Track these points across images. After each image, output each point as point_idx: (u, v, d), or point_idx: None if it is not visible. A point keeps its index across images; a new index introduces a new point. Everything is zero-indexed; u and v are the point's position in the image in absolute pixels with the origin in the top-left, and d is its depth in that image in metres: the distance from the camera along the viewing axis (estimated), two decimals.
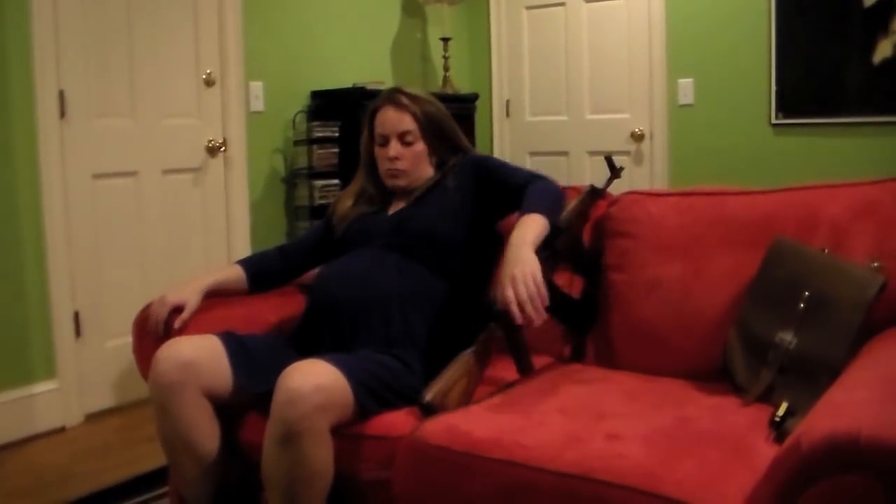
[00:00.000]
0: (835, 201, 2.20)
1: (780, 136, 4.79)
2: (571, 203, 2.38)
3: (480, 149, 5.46)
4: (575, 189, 2.56)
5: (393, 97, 2.49)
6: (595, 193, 2.46)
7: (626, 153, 5.28)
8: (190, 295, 2.37)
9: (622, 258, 2.36)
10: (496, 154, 5.80)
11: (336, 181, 4.44)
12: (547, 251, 2.14)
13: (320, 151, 4.46)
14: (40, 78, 3.55)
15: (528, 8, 5.70)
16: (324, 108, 4.59)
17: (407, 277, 2.28)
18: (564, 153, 5.56)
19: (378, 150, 2.50)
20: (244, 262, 2.59)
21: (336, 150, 4.49)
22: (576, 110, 5.52)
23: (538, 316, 1.95)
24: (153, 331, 2.34)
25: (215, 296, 2.45)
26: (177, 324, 2.32)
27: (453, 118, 2.58)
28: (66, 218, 3.67)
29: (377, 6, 5.26)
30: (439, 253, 2.34)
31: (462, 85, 5.65)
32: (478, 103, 5.34)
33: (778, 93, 4.74)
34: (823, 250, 2.07)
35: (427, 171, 2.51)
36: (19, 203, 3.52)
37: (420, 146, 2.46)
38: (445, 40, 5.36)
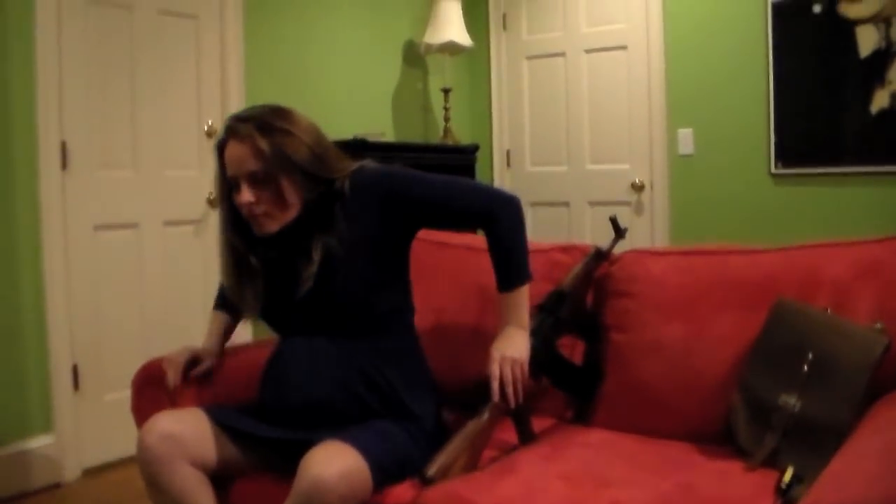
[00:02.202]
0: (837, 261, 2.19)
1: (780, 186, 4.79)
2: (576, 267, 2.35)
3: None
4: (579, 249, 2.53)
5: (234, 128, 2.03)
6: (600, 256, 2.44)
7: (627, 203, 5.29)
8: (205, 351, 2.33)
9: (623, 318, 2.35)
10: None
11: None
12: (551, 318, 2.13)
13: None
14: (43, 129, 3.57)
15: (529, 58, 5.74)
16: None
17: (355, 355, 2.07)
18: (565, 203, 5.57)
19: (234, 195, 2.06)
20: (222, 305, 2.40)
21: None
22: (576, 161, 5.53)
23: (516, 401, 2.01)
24: (170, 382, 2.23)
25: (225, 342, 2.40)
26: (201, 368, 2.28)
27: (323, 137, 2.11)
28: (67, 269, 3.67)
29: (378, 57, 5.29)
30: (372, 310, 2.09)
31: (463, 135, 5.67)
32: (478, 154, 5.35)
33: (777, 143, 4.76)
34: (826, 311, 2.06)
35: (289, 213, 2.05)
36: (19, 253, 3.52)
37: (280, 184, 2.01)
38: (446, 91, 5.38)
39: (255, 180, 2.00)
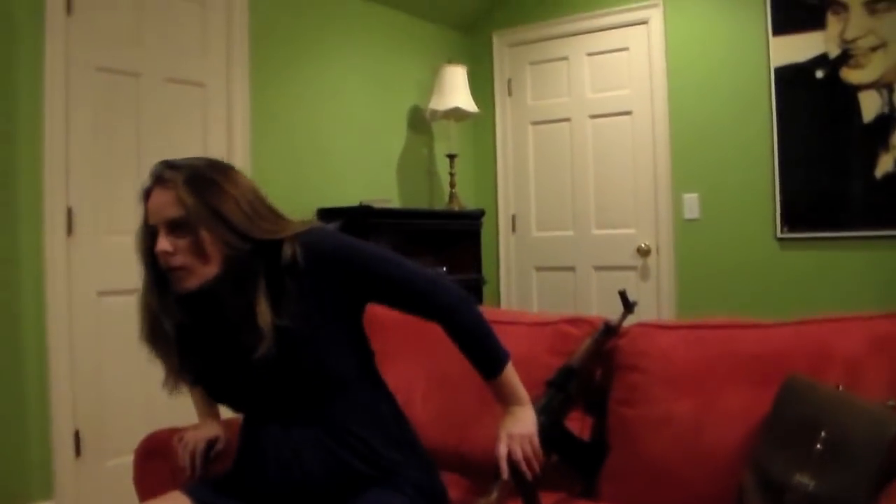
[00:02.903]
0: (848, 336, 2.16)
1: (787, 250, 4.79)
2: (585, 342, 2.33)
3: (486, 266, 5.48)
4: (587, 322, 2.51)
5: (161, 175, 1.87)
6: (609, 331, 2.42)
7: (633, 268, 5.28)
8: (216, 428, 2.25)
9: (631, 393, 2.32)
10: (502, 270, 5.79)
11: None
12: (561, 394, 2.11)
13: None
14: (49, 194, 3.59)
15: (534, 123, 5.78)
16: None
17: (331, 423, 1.94)
18: (571, 268, 5.56)
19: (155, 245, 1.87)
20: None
21: None
22: (582, 225, 5.54)
23: (532, 474, 1.97)
24: (185, 465, 2.17)
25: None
26: (219, 450, 2.21)
27: (256, 197, 1.92)
28: (70, 334, 3.66)
29: (384, 122, 5.32)
30: (339, 376, 1.95)
31: (468, 200, 5.69)
32: (483, 219, 5.36)
33: (783, 207, 4.77)
34: (838, 387, 2.03)
35: (209, 268, 1.86)
36: (23, 318, 3.51)
37: (199, 235, 1.83)
38: (452, 157, 5.40)
39: (173, 228, 1.83)
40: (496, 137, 5.94)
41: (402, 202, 5.39)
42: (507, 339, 2.01)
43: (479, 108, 5.47)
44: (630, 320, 2.50)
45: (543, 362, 2.13)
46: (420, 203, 5.55)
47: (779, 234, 4.79)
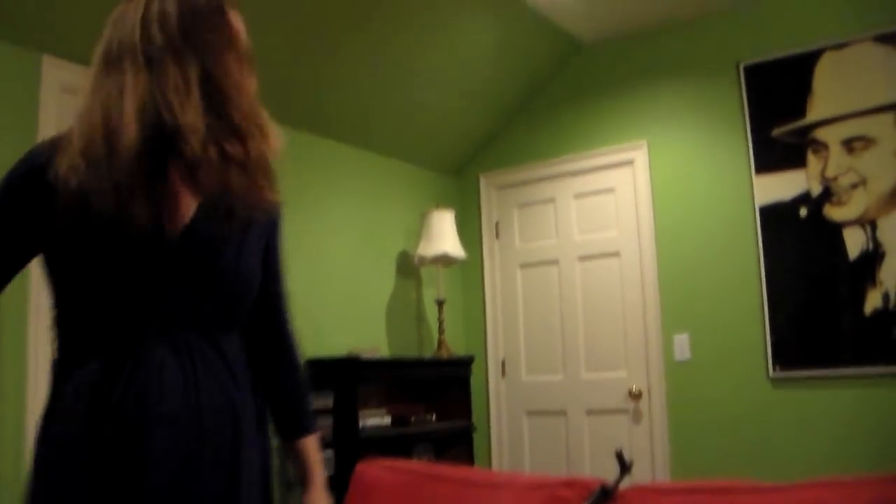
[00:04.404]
0: (850, 500, 2.10)
1: (779, 390, 4.72)
2: None
3: (476, 411, 5.43)
4: (583, 485, 2.43)
5: None
6: (605, 494, 2.34)
7: (625, 412, 5.20)
8: None
9: None
10: (493, 415, 5.71)
11: (330, 452, 4.33)
12: None
13: None
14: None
15: (523, 266, 5.79)
16: (318, 378, 4.53)
17: (225, 365, 1.60)
18: (562, 412, 5.48)
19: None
20: None
21: (330, 421, 4.41)
22: (572, 369, 5.49)
23: None
24: None
25: None
26: None
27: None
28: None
29: (372, 268, 5.32)
30: (248, 296, 1.68)
31: (457, 346, 5.65)
32: (473, 364, 5.32)
33: (774, 346, 4.72)
34: None
35: None
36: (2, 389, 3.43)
37: None
38: (440, 303, 5.39)
39: None
40: (484, 281, 5.93)
41: (390, 349, 5.35)
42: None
43: (466, 250, 5.49)
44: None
45: None
46: (409, 349, 5.51)
47: (771, 374, 4.74)
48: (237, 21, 1.63)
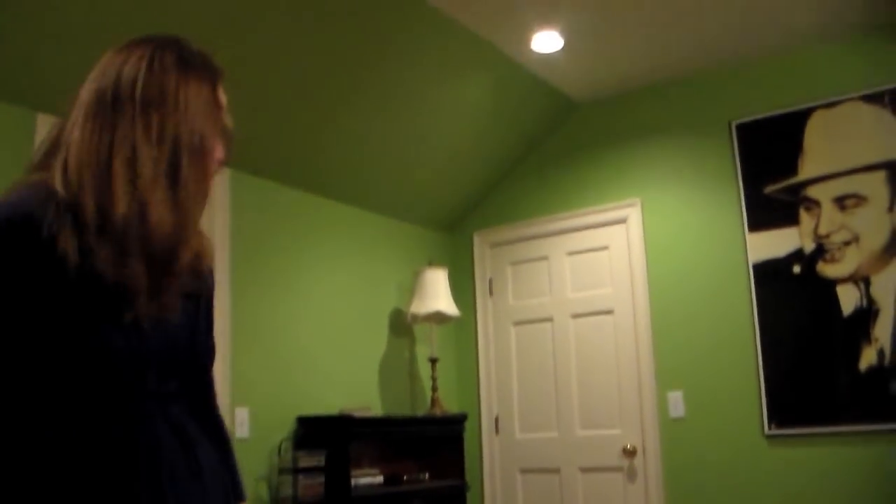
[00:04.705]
0: None
1: (775, 448, 4.69)
2: None
3: (469, 469, 5.39)
4: None
5: None
6: None
7: (619, 469, 5.16)
8: None
9: None
10: (486, 473, 5.66)
11: None
12: None
13: (305, 482, 4.31)
14: None
15: (516, 324, 5.77)
16: (310, 437, 4.50)
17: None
18: (556, 470, 5.42)
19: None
20: None
21: (322, 480, 4.36)
22: (566, 426, 5.45)
23: None
24: None
25: None
26: None
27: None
28: None
29: (365, 326, 5.30)
30: (200, 364, 1.68)
31: (451, 403, 5.62)
32: (466, 422, 5.29)
33: (769, 403, 4.71)
34: None
35: None
36: None
37: None
38: (433, 361, 5.36)
39: None
40: (478, 338, 5.91)
41: (383, 407, 5.30)
42: None
43: (460, 308, 5.47)
44: None
45: None
46: (402, 407, 5.47)
47: (766, 431, 4.71)
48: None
